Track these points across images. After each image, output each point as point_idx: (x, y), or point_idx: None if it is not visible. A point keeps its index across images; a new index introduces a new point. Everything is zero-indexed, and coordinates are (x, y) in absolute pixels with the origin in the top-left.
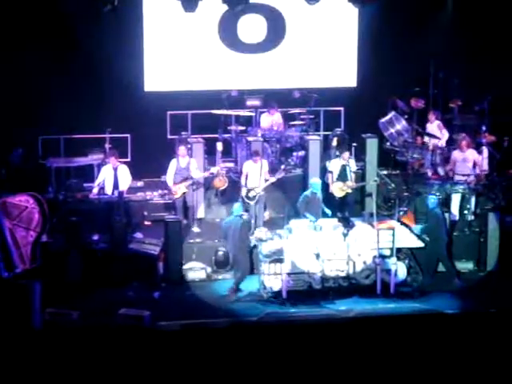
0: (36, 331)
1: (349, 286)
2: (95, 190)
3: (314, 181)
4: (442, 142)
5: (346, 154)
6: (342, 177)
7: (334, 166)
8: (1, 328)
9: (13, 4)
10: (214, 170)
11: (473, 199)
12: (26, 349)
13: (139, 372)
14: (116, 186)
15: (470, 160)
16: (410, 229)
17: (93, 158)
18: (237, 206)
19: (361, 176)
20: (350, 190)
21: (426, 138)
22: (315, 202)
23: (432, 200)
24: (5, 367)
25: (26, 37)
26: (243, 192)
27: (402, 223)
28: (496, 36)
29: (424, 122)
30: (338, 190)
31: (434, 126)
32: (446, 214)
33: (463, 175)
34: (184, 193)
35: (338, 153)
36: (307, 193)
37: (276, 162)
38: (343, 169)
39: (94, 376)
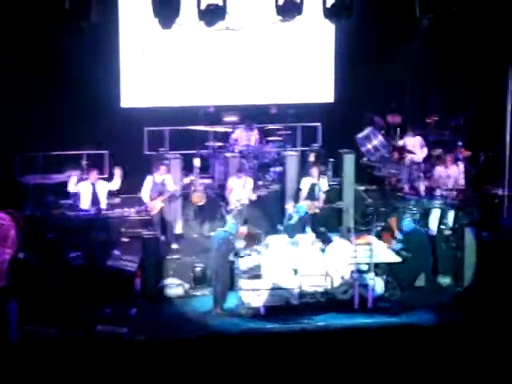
0: (13, 347)
1: (326, 302)
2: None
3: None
4: (419, 158)
5: (315, 171)
6: (311, 196)
7: (304, 184)
8: None
9: None
10: (186, 180)
11: (450, 214)
12: (3, 365)
13: None
14: (95, 202)
15: (453, 176)
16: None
17: (70, 175)
18: (230, 221)
19: (337, 192)
20: (317, 210)
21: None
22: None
23: (407, 222)
24: None
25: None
26: (224, 207)
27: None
28: (472, 51)
29: (401, 137)
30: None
31: (415, 140)
32: (423, 229)
33: (446, 190)
34: (161, 208)
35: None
36: None
37: (254, 177)
38: (312, 188)
39: None
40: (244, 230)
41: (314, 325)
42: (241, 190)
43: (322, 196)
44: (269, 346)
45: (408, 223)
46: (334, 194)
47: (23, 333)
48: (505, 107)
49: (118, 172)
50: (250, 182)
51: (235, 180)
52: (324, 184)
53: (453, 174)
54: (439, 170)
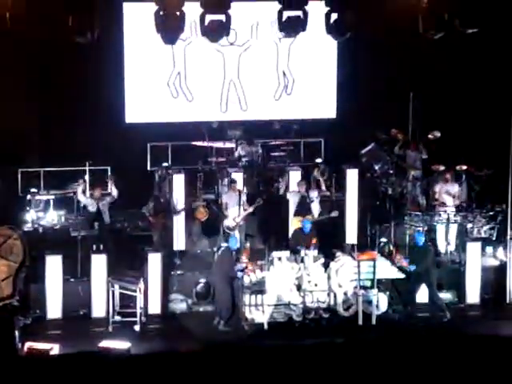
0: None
1: (330, 318)
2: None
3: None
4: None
5: (303, 186)
6: (302, 209)
7: (292, 198)
8: None
9: None
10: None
11: (453, 230)
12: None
13: None
14: (99, 218)
15: (453, 192)
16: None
17: (73, 190)
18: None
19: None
20: None
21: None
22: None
23: (421, 237)
24: None
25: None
26: (224, 222)
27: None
28: (477, 63)
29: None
30: (297, 223)
31: (415, 155)
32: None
33: (447, 207)
34: (163, 224)
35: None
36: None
37: (256, 192)
38: (303, 200)
39: None
40: (247, 246)
41: (316, 340)
42: (237, 205)
43: (315, 208)
44: (271, 360)
45: (421, 237)
46: (336, 208)
47: (24, 350)
48: (510, 123)
49: (111, 182)
50: (244, 194)
51: (230, 194)
52: (314, 196)
53: (452, 190)
54: (438, 187)
